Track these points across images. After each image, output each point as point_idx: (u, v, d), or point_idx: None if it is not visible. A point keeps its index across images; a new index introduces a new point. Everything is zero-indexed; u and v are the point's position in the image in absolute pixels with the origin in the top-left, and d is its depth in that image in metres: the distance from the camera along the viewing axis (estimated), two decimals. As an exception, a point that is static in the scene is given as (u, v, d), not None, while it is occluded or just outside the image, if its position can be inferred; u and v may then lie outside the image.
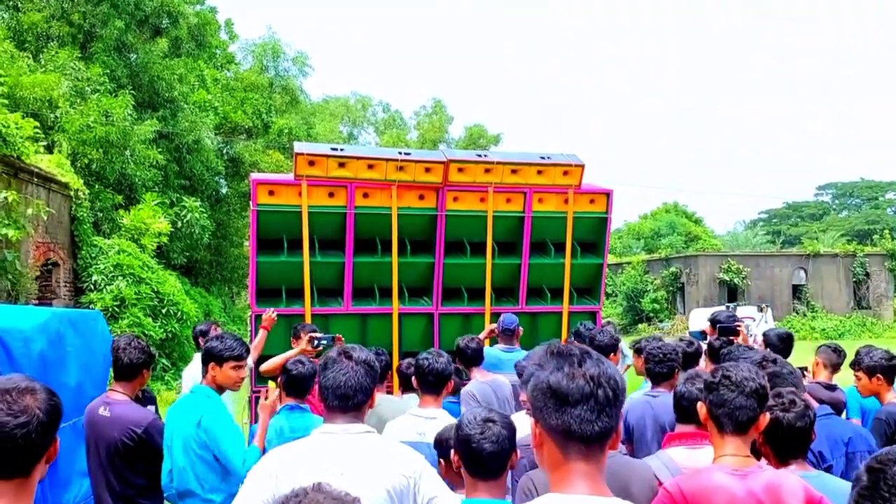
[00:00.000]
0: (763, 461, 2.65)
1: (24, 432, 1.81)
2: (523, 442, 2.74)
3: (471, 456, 2.53)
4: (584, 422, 1.65)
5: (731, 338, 5.17)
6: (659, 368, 4.28)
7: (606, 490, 1.68)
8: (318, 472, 2.55)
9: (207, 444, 3.74)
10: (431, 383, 4.04)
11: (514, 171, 7.38)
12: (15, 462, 1.82)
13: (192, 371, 6.08)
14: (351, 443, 2.65)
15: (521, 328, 6.68)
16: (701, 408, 2.66)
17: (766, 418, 2.58)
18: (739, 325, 5.42)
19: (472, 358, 5.49)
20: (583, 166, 7.48)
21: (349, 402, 2.68)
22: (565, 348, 1.75)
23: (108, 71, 17.57)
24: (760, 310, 20.15)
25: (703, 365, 4.97)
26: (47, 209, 12.47)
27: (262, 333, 5.92)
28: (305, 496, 1.49)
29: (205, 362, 3.90)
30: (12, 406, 1.82)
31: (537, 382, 1.72)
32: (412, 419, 3.95)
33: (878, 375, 4.38)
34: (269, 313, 5.95)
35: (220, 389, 3.93)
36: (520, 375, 4.49)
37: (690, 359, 4.96)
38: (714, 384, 2.61)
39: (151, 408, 4.55)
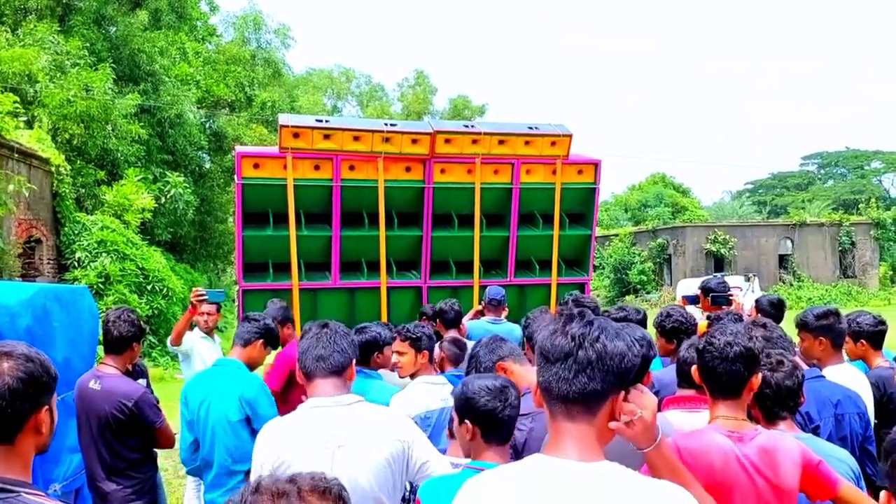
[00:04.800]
0: (759, 426, 2.67)
1: None
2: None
3: (494, 425, 2.54)
4: (562, 380, 1.67)
5: (723, 307, 5.18)
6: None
7: (599, 455, 1.67)
8: (317, 446, 2.55)
9: (250, 416, 3.74)
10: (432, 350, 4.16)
11: (501, 142, 7.32)
12: None
13: (192, 339, 6.11)
14: (345, 414, 2.64)
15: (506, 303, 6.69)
16: (694, 372, 2.70)
17: (758, 379, 2.60)
18: (731, 294, 5.42)
19: (453, 320, 5.82)
20: (571, 136, 7.43)
21: (326, 363, 2.70)
22: (569, 310, 1.78)
23: (88, 44, 17.29)
24: (747, 279, 20.26)
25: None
26: (29, 185, 12.32)
27: (186, 314, 5.95)
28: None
29: (251, 339, 3.95)
30: None
31: (537, 341, 1.80)
32: (428, 387, 3.94)
33: (862, 340, 4.39)
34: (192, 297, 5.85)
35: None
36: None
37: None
38: (700, 350, 2.64)
39: (143, 381, 4.52)
